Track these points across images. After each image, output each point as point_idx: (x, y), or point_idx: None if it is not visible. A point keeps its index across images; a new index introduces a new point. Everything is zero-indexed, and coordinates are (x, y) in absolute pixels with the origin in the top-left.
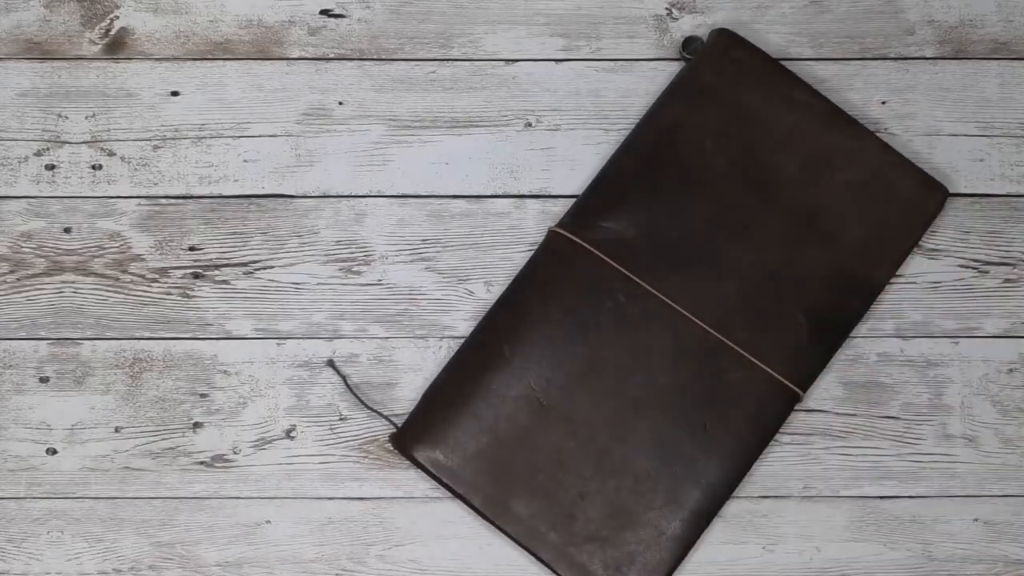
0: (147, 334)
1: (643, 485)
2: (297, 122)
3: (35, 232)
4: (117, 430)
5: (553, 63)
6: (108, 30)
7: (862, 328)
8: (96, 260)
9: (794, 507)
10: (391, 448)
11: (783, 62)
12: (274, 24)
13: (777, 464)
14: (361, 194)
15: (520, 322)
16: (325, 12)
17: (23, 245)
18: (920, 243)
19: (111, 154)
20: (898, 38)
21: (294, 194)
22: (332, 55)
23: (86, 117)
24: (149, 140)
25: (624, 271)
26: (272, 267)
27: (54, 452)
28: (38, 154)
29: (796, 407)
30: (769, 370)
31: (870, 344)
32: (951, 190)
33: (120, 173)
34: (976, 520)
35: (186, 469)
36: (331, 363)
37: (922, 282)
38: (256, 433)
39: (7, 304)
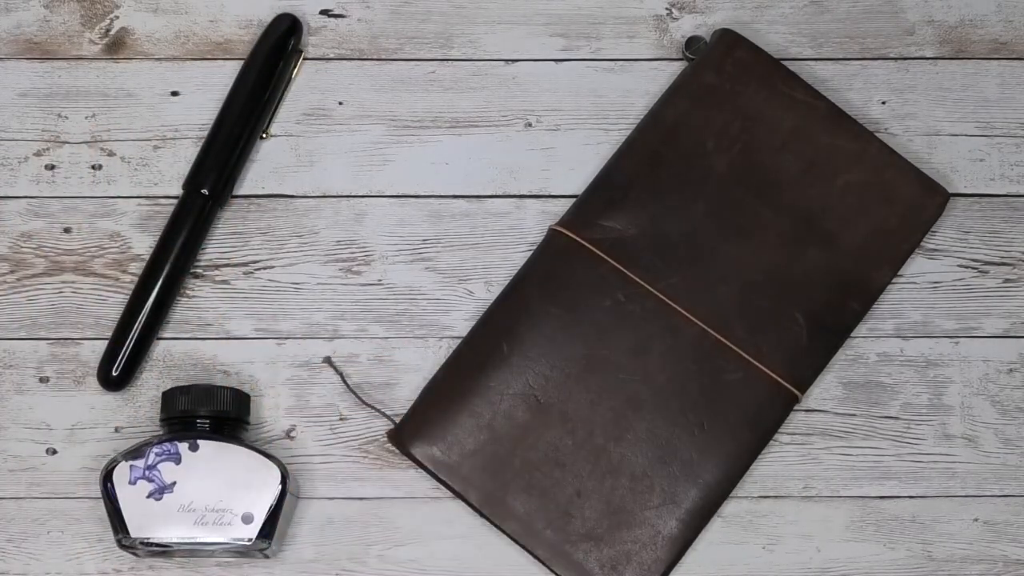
0: None
1: (640, 484)
2: (297, 122)
3: (35, 232)
4: (117, 430)
5: (553, 63)
6: (108, 30)
7: (862, 328)
8: (96, 260)
9: (794, 507)
10: (391, 448)
11: (783, 62)
12: None
13: (777, 464)
14: (361, 194)
15: (519, 320)
16: (325, 12)
17: (23, 245)
18: (920, 244)
19: (111, 154)
20: (898, 38)
21: (294, 194)
22: (332, 55)
23: (86, 117)
24: (149, 140)
25: (624, 270)
26: (272, 267)
27: (54, 452)
28: (38, 154)
29: (795, 407)
30: (768, 371)
31: (870, 344)
32: (951, 190)
33: (120, 173)
34: (976, 520)
35: None
36: (328, 360)
37: (922, 282)
38: (256, 433)
39: (7, 304)
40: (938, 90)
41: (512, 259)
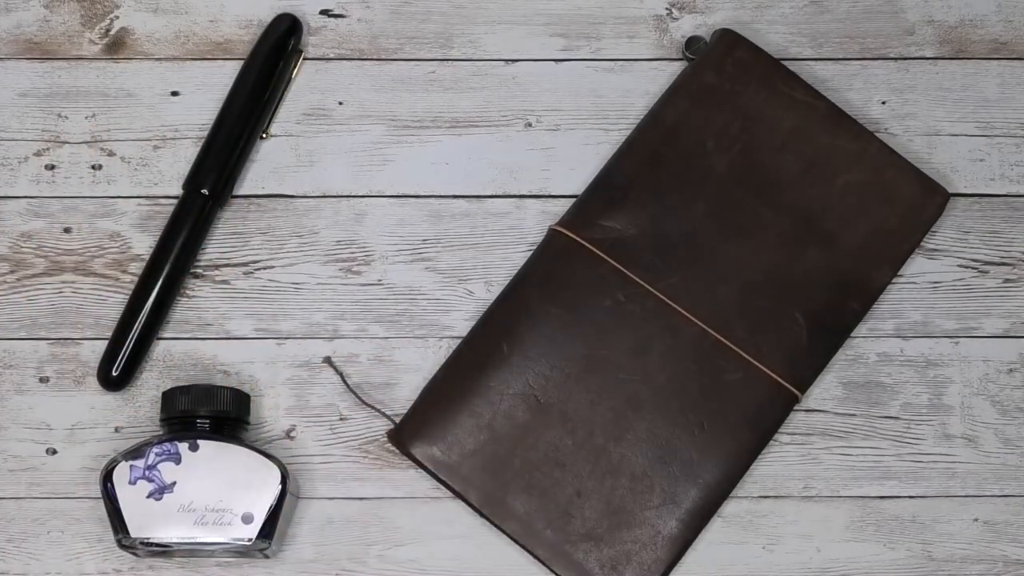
0: None
1: (640, 484)
2: (297, 122)
3: (35, 232)
4: (117, 430)
5: (553, 63)
6: (108, 30)
7: (862, 328)
8: (96, 260)
9: (794, 507)
10: (391, 448)
11: (783, 62)
12: None
13: (777, 464)
14: (361, 194)
15: (519, 320)
16: (325, 12)
17: (23, 245)
18: (920, 244)
19: (111, 154)
20: (898, 38)
21: (294, 194)
22: (332, 55)
23: (86, 117)
24: (149, 140)
25: (624, 270)
26: (272, 267)
27: (54, 452)
28: (38, 154)
29: (795, 407)
30: (768, 371)
31: (870, 344)
32: (951, 190)
33: (120, 173)
34: (976, 520)
35: None
36: (328, 360)
37: (922, 282)
38: (256, 433)
39: (7, 304)
40: (938, 90)
41: (512, 259)
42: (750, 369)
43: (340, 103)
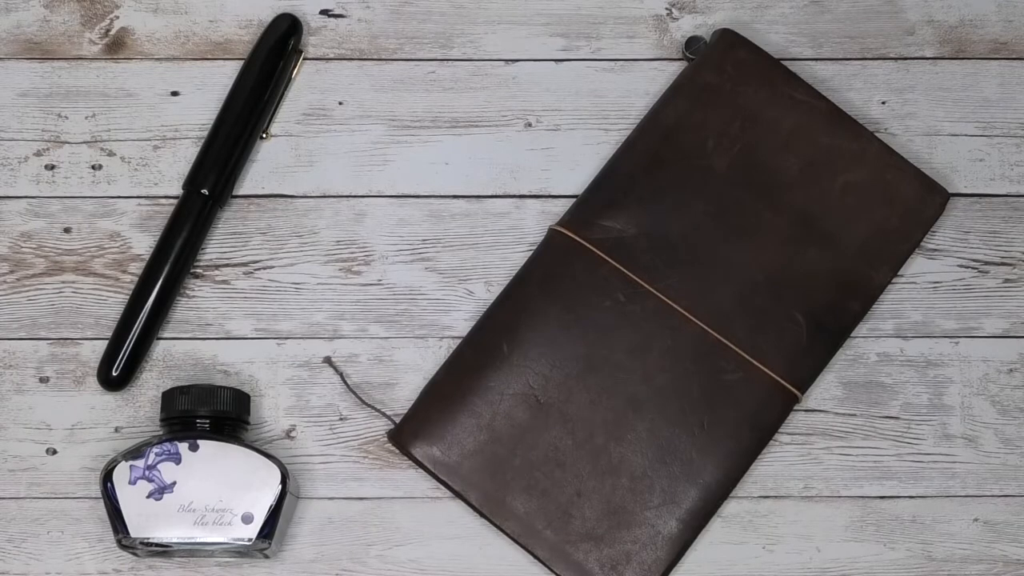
0: None
1: (640, 484)
2: (297, 122)
3: (35, 232)
4: (117, 430)
5: (553, 63)
6: (108, 30)
7: (862, 328)
8: (96, 260)
9: (794, 507)
10: (391, 448)
11: (783, 62)
12: None
13: (777, 464)
14: (361, 194)
15: (519, 320)
16: (325, 12)
17: (23, 245)
18: (920, 244)
19: (111, 154)
20: (898, 38)
21: (294, 194)
22: (332, 55)
23: (86, 117)
24: (149, 140)
25: (624, 270)
26: (272, 267)
27: (54, 452)
28: (38, 154)
29: (795, 407)
30: (768, 371)
31: (870, 344)
32: (951, 190)
33: (120, 173)
34: (976, 520)
35: None
36: (328, 360)
37: (922, 282)
38: (256, 433)
39: (7, 304)
40: (938, 90)
41: (512, 259)
42: (750, 369)
43: (340, 103)
